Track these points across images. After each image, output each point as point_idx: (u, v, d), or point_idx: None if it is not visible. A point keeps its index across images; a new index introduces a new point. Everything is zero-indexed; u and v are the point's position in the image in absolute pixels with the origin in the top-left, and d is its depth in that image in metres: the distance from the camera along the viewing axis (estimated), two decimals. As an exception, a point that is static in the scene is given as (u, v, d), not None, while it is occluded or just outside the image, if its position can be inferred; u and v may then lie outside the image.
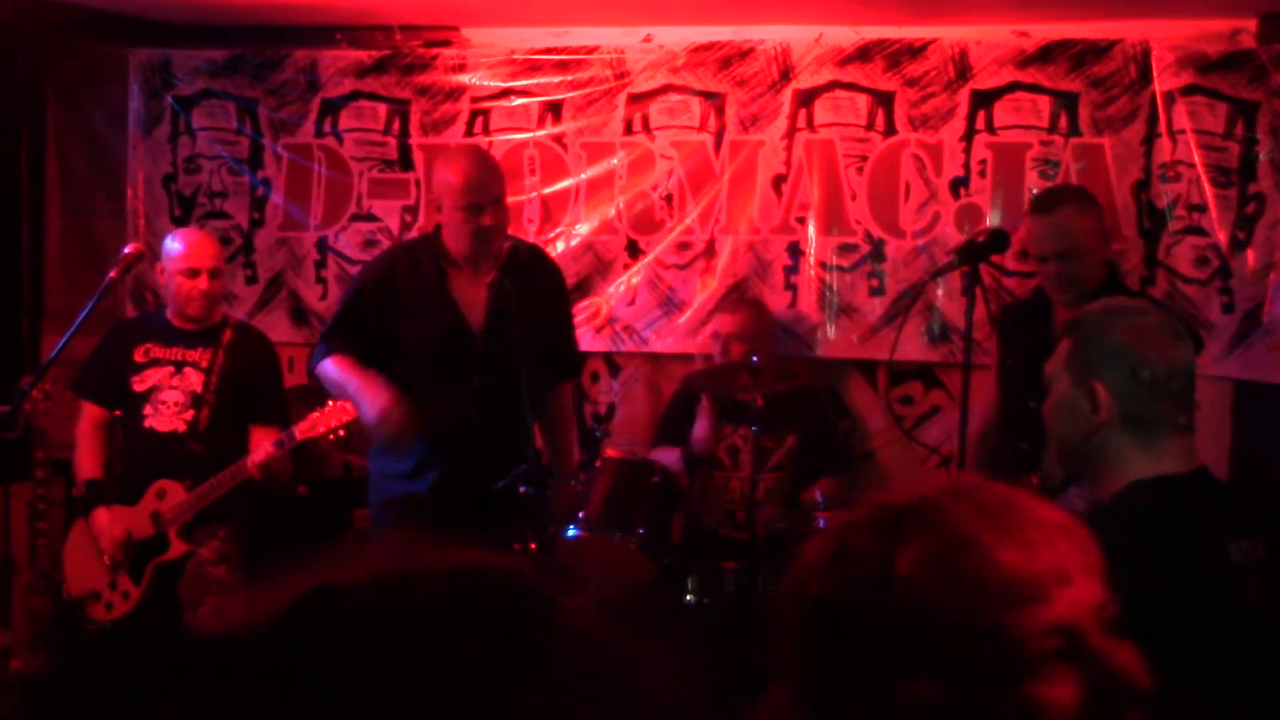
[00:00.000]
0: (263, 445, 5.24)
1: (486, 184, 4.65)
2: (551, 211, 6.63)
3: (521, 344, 4.61)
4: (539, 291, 4.87)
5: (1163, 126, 5.96)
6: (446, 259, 4.76)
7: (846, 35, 6.32)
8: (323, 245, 6.91)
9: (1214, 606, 2.55)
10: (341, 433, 5.29)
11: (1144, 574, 2.53)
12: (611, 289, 6.55)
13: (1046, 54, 6.11)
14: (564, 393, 5.11)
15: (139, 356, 5.50)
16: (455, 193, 4.63)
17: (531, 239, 6.11)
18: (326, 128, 6.88)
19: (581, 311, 6.43)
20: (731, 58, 6.44)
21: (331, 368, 4.71)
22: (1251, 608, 2.57)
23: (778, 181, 6.41)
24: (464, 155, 4.91)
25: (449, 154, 5.17)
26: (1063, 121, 6.10)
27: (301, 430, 5.21)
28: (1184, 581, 2.55)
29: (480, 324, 4.71)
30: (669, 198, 6.54)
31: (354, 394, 4.59)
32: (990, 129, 6.19)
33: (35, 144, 7.04)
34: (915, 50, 6.25)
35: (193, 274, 5.42)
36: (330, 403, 5.23)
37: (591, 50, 6.57)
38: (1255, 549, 2.59)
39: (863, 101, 6.30)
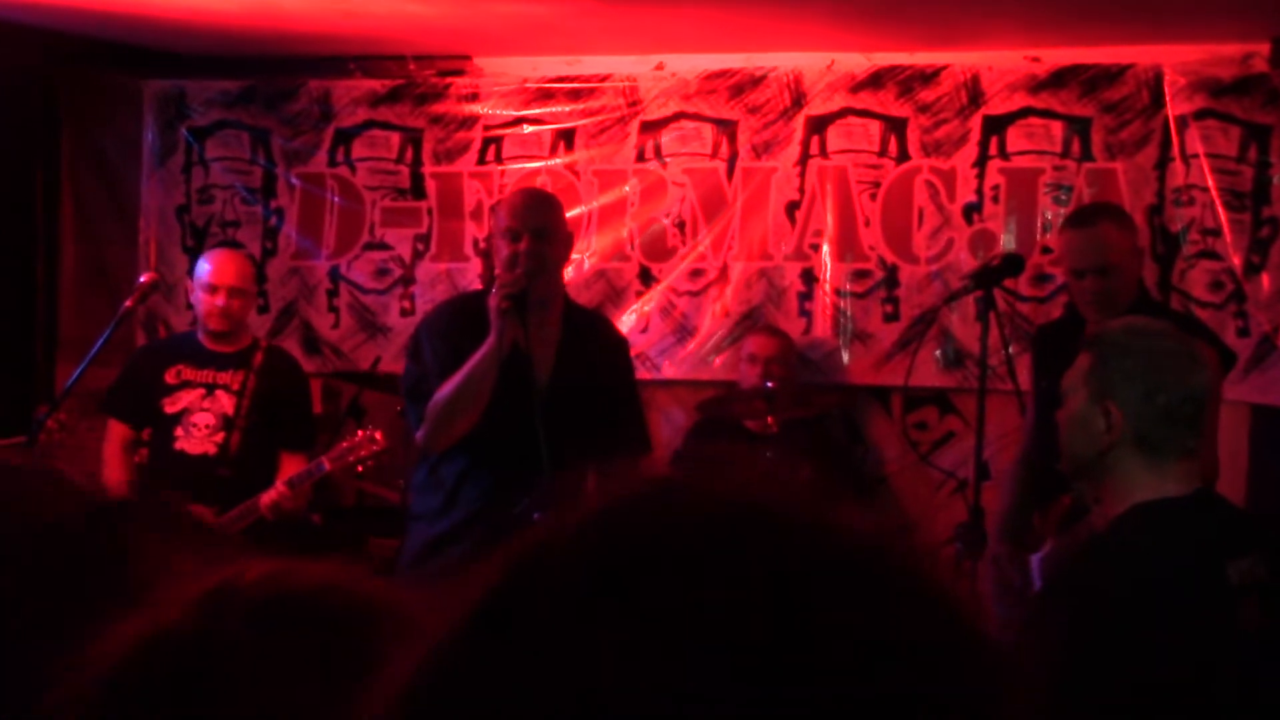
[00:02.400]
0: (275, 485, 5.26)
1: (528, 212, 4.47)
2: (572, 239, 6.59)
3: (584, 404, 4.43)
4: (602, 360, 4.65)
5: (1176, 151, 5.96)
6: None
7: (858, 62, 6.33)
8: (335, 274, 6.92)
9: (1209, 627, 2.59)
10: (371, 463, 5.33)
11: (1141, 595, 2.58)
12: (625, 317, 6.51)
13: (1059, 79, 6.12)
14: None
15: (170, 378, 5.48)
16: (500, 221, 4.52)
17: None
18: (340, 157, 6.90)
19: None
20: (743, 85, 6.45)
21: (440, 393, 4.40)
22: (1249, 628, 2.61)
23: (791, 208, 6.42)
24: (517, 191, 4.88)
25: (508, 195, 5.14)
26: (1075, 146, 6.10)
27: (331, 460, 5.25)
28: (1180, 602, 2.59)
29: (547, 374, 4.45)
30: (681, 225, 6.55)
31: (479, 359, 4.32)
32: (1003, 154, 6.19)
33: (50, 175, 7.10)
34: (927, 76, 6.27)
35: (212, 290, 5.43)
36: (359, 433, 5.31)
37: (604, 79, 6.60)
38: (1255, 569, 2.63)
39: (875, 128, 6.31)
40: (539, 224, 4.45)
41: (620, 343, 4.87)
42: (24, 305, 7.02)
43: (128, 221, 7.14)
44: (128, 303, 5.30)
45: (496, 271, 4.51)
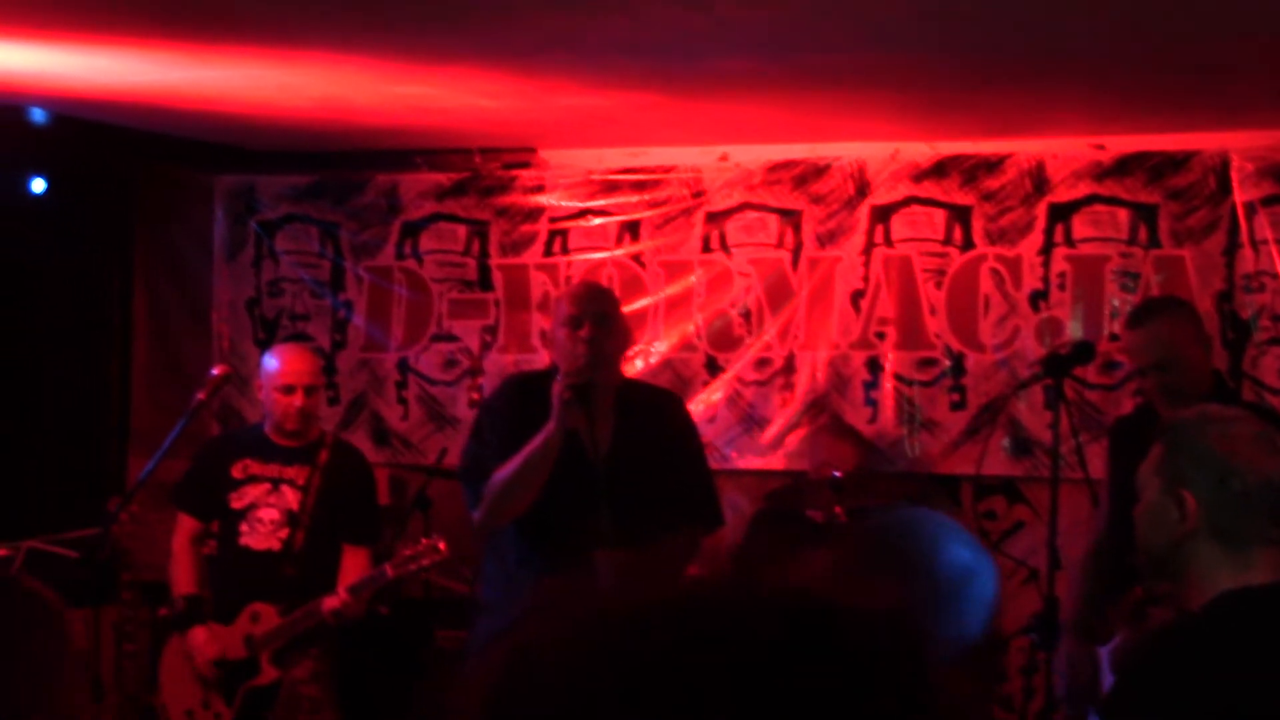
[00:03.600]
0: (339, 592, 5.27)
1: (589, 300, 4.55)
2: (629, 331, 6.61)
3: (644, 481, 4.46)
4: (660, 431, 4.63)
5: (1244, 237, 5.94)
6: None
7: (922, 151, 6.38)
8: (404, 366, 6.97)
9: None
10: (433, 571, 5.39)
11: (1236, 686, 2.52)
12: (692, 407, 6.14)
13: (1123, 167, 6.13)
14: (686, 540, 4.60)
15: (237, 472, 5.48)
16: (561, 311, 4.56)
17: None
18: (407, 250, 6.99)
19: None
20: (807, 175, 6.51)
21: (498, 475, 4.42)
22: None
23: (856, 297, 6.46)
24: (577, 282, 4.89)
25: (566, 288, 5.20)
26: (1142, 233, 6.10)
27: (394, 567, 5.26)
28: (1276, 695, 2.52)
29: (603, 457, 4.46)
30: (747, 314, 6.58)
31: (538, 444, 4.34)
32: (1069, 242, 6.19)
33: (123, 269, 7.20)
34: (991, 165, 6.29)
35: (288, 390, 5.42)
36: (423, 541, 5.31)
37: (668, 170, 6.67)
38: None
39: (940, 216, 6.35)
40: (599, 310, 4.51)
41: (680, 415, 4.80)
42: (97, 398, 7.08)
43: (199, 315, 7.25)
44: (200, 395, 5.29)
45: (557, 362, 4.57)
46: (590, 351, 4.41)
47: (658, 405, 4.76)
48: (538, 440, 4.36)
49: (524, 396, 4.57)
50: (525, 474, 4.39)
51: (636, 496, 4.42)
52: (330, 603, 5.22)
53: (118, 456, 7.07)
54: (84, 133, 6.42)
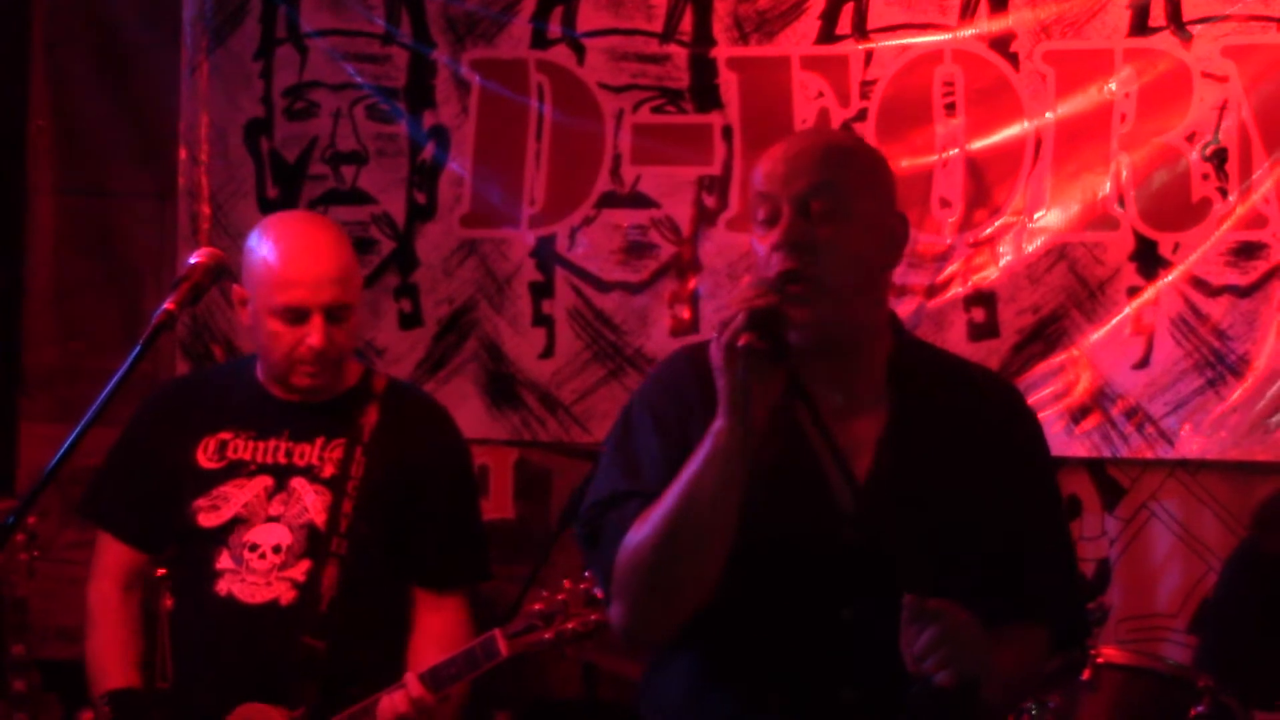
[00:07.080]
0: (405, 679, 5.00)
1: (790, 166, 3.93)
2: (986, 185, 6.41)
3: (950, 538, 3.94)
4: (989, 450, 4.06)
5: None
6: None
7: None
8: (546, 253, 6.78)
9: None
10: (588, 643, 5.11)
11: None
12: (1100, 335, 6.32)
13: None
14: (1030, 645, 4.20)
15: (205, 458, 5.16)
16: (751, 185, 4.02)
17: (946, 237, 6.23)
18: (553, 30, 6.78)
19: (1046, 382, 6.30)
20: None
21: (636, 534, 3.93)
22: None
23: None
24: (787, 137, 4.30)
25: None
26: None
27: (510, 638, 4.95)
28: None
29: (858, 506, 3.90)
30: (1219, 156, 6.28)
31: (700, 460, 3.82)
32: None
33: (13, 77, 7.18)
34: None
35: (294, 315, 5.04)
36: (566, 585, 5.02)
37: None
38: None
39: None
40: (813, 182, 3.87)
41: (1029, 425, 4.28)
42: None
43: (156, 154, 7.06)
44: (168, 304, 4.37)
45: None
46: (787, 264, 3.82)
47: (991, 404, 4.22)
48: (700, 452, 3.80)
49: (704, 380, 3.95)
50: (685, 521, 3.83)
51: (930, 568, 3.86)
52: (393, 703, 4.96)
53: (3, 421, 7.05)
54: None
